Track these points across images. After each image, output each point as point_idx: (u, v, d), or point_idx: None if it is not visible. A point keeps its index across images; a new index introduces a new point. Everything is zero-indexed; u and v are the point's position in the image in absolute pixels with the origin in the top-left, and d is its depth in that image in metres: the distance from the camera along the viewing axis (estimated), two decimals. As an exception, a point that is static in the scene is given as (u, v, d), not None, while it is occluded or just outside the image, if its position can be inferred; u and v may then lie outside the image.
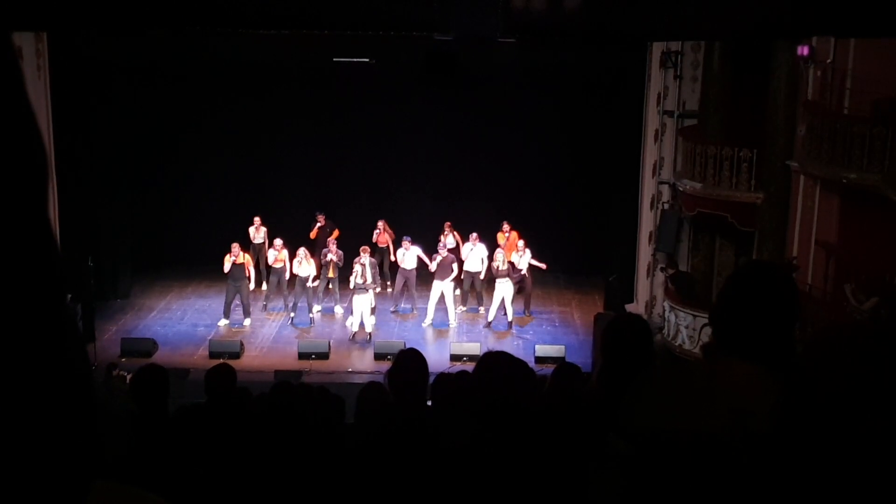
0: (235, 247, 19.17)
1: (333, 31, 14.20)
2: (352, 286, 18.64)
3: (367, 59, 19.19)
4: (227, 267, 19.13)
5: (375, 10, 11.57)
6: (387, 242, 20.98)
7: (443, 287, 19.32)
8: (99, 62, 19.19)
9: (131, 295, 21.29)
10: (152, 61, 19.75)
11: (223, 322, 19.56)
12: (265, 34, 15.94)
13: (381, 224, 21.04)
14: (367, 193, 22.20)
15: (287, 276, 19.66)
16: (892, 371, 1.97)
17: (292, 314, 19.71)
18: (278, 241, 19.70)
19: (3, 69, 0.77)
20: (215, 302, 20.51)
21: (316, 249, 20.11)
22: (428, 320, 19.61)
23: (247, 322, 19.56)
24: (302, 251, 19.39)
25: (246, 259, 19.37)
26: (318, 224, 20.93)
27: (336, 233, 20.53)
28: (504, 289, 19.21)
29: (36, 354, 0.77)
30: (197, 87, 21.26)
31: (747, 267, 3.47)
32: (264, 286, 20.78)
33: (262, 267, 20.78)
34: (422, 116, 21.80)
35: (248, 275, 19.50)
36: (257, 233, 20.88)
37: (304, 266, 19.31)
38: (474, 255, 19.81)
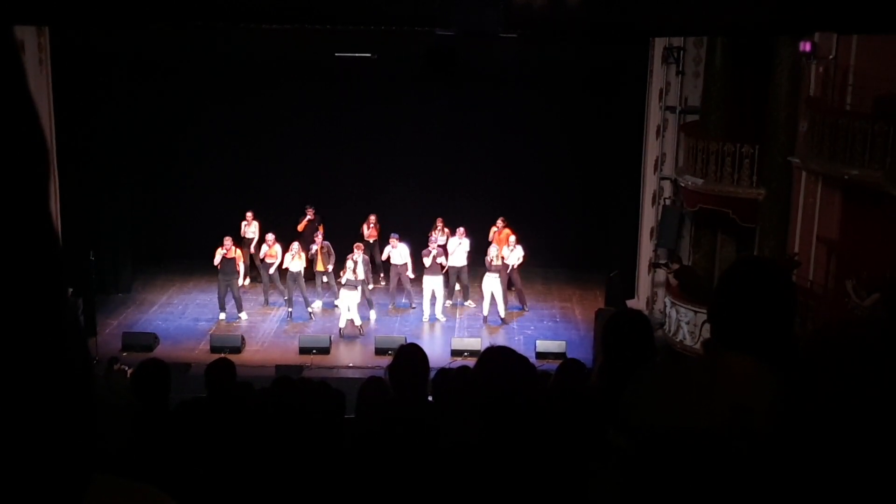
0: (227, 240, 19.29)
1: (335, 25, 14.20)
2: (343, 282, 18.71)
3: (368, 54, 19.18)
4: (216, 260, 19.23)
5: (377, 5, 11.56)
6: (375, 237, 21.05)
7: (433, 282, 19.39)
8: (101, 57, 19.18)
9: (132, 289, 21.29)
10: (154, 56, 19.73)
11: (222, 316, 19.61)
12: (267, 29, 15.94)
13: (372, 218, 21.11)
14: (368, 188, 22.17)
15: (273, 270, 19.68)
16: (893, 369, 1.97)
17: (289, 309, 19.76)
18: (270, 236, 19.75)
19: (5, 63, 0.77)
20: (216, 296, 20.54)
21: (304, 243, 20.14)
22: (425, 316, 19.65)
23: (242, 315, 19.61)
24: (296, 246, 19.46)
25: (237, 254, 19.42)
26: (307, 217, 20.97)
27: (321, 228, 20.54)
28: (491, 283, 19.29)
29: (36, 349, 0.77)
30: (198, 81, 21.24)
31: (742, 262, 3.46)
32: (253, 280, 20.84)
33: (255, 262, 20.80)
34: (423, 111, 21.78)
35: (238, 270, 19.53)
36: (248, 227, 20.87)
37: (297, 261, 19.36)
38: (461, 249, 19.93)
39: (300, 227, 20.85)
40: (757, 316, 2.54)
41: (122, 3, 11.31)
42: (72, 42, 18.55)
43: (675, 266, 19.01)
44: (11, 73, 0.77)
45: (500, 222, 20.43)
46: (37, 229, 0.78)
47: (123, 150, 20.87)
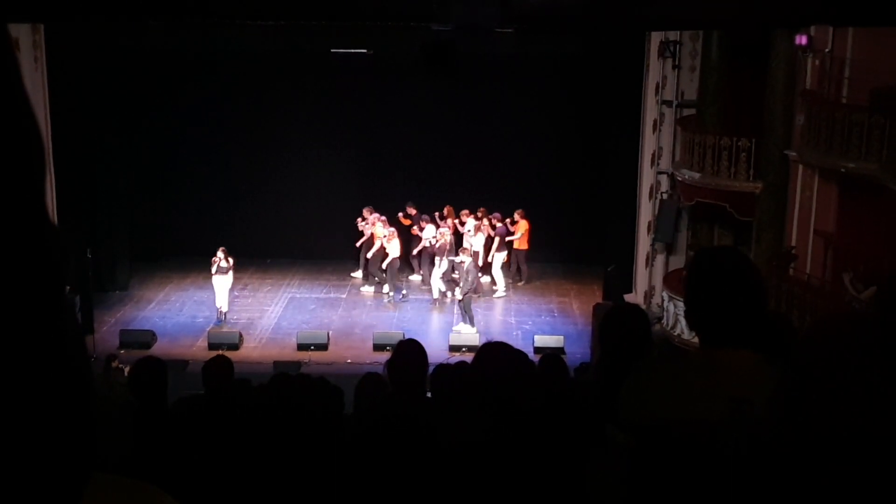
0: (365, 211, 20.74)
1: (331, 22, 14.19)
2: (214, 270, 19.15)
3: (364, 50, 19.17)
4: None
5: (374, 1, 11.55)
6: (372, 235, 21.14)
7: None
8: (96, 55, 19.14)
9: (130, 286, 21.29)
10: (151, 53, 19.72)
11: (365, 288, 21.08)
12: (263, 25, 15.94)
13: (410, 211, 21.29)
14: (367, 185, 22.17)
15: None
16: (892, 362, 1.97)
17: (391, 293, 20.53)
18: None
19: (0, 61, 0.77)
20: (214, 293, 20.54)
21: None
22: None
23: (364, 284, 21.07)
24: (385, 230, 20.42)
25: (389, 231, 20.37)
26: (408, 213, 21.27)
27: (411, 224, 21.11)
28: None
29: (34, 346, 0.76)
30: (195, 79, 21.24)
31: (699, 255, 3.42)
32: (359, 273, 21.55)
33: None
34: (420, 107, 21.78)
35: (373, 243, 20.61)
36: (366, 222, 20.99)
37: (394, 244, 20.32)
38: (427, 234, 20.80)
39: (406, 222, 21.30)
40: (728, 306, 2.53)
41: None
42: (68, 40, 18.52)
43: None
44: (5, 70, 0.77)
45: (516, 215, 20.92)
46: (33, 227, 0.78)
47: (120, 147, 20.85)
